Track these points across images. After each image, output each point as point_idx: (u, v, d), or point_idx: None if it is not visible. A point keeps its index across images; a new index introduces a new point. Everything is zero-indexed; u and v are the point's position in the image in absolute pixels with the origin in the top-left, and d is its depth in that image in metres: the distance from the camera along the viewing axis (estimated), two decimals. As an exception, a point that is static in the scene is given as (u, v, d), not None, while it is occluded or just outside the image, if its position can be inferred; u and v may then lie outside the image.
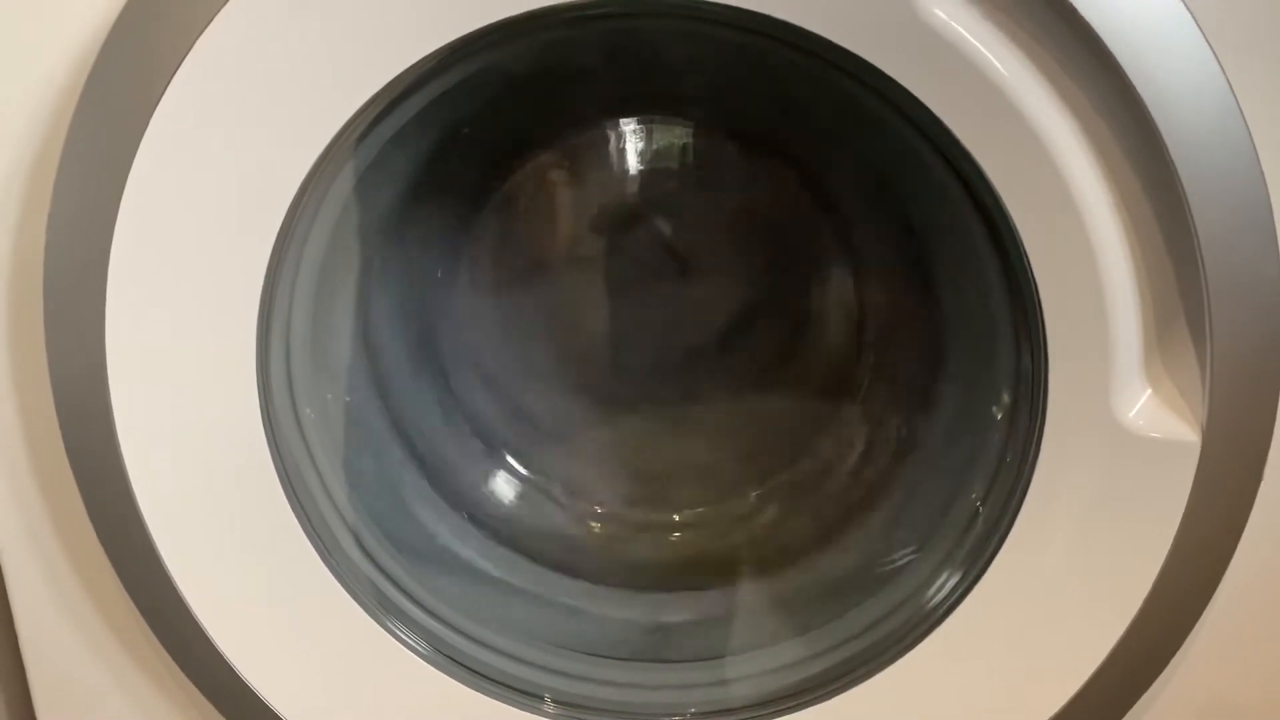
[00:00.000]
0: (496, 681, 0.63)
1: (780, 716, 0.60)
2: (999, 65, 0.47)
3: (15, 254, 0.55)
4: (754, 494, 0.79)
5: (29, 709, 0.66)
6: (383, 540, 0.65)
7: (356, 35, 0.49)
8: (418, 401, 0.76)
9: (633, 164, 0.78)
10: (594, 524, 0.79)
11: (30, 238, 0.54)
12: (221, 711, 0.60)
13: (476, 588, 0.70)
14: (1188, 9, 0.45)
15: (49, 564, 0.61)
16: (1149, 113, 0.46)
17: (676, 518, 0.80)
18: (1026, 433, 0.56)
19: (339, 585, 0.59)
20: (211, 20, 0.48)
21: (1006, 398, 0.60)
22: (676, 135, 0.78)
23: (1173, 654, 0.55)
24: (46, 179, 0.51)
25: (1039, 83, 0.47)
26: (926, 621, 0.58)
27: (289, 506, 0.57)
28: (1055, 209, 0.49)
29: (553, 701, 0.63)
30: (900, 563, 0.65)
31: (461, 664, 0.62)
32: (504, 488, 0.79)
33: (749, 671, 0.65)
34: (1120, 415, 0.52)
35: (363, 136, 0.57)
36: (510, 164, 0.76)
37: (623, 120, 0.76)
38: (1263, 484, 0.52)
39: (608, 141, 0.77)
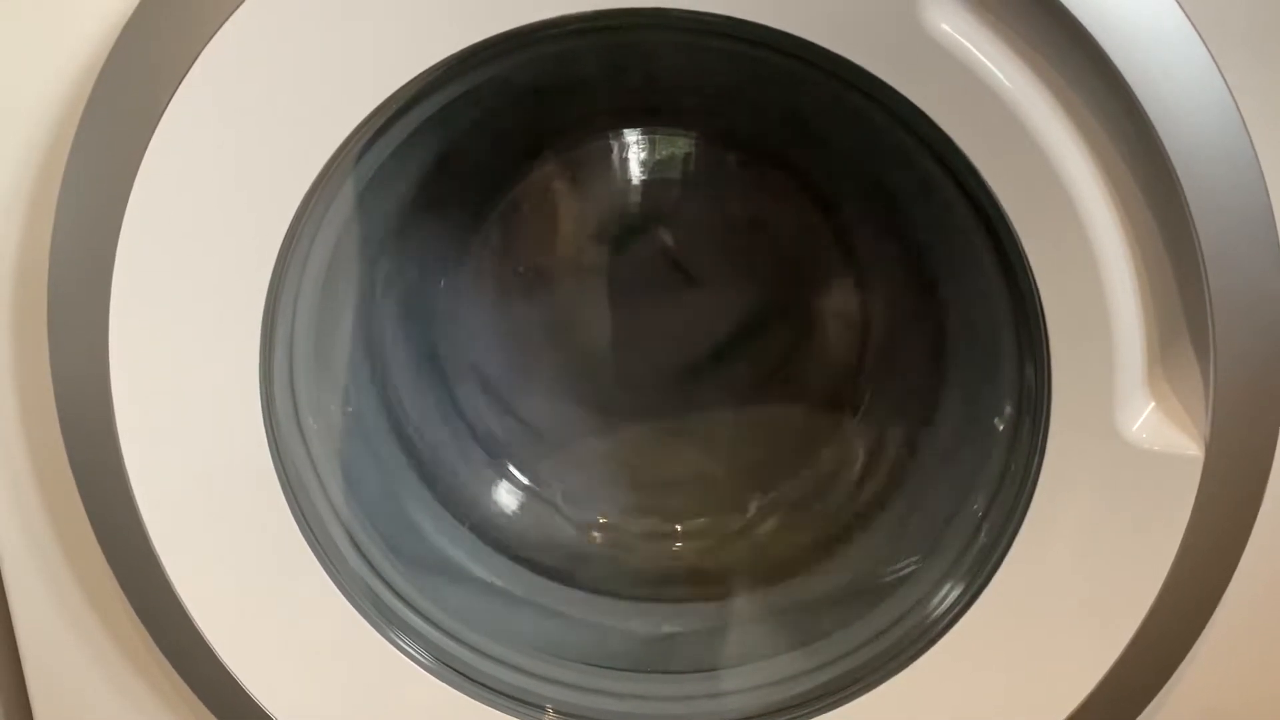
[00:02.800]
0: (498, 692, 0.62)
1: (781, 728, 0.60)
2: (1004, 79, 0.47)
3: (20, 257, 0.55)
4: (756, 505, 0.79)
5: (27, 712, 0.65)
6: (385, 550, 0.65)
7: (362, 45, 0.49)
8: (421, 411, 0.76)
9: (635, 174, 0.78)
10: (596, 534, 0.79)
11: (35, 241, 0.54)
12: (221, 720, 0.60)
13: (478, 597, 0.70)
14: (1190, 21, 0.46)
15: (49, 569, 0.61)
16: (1152, 126, 0.46)
17: (678, 528, 0.80)
18: (1029, 445, 0.56)
19: (341, 595, 0.59)
20: (220, 27, 0.48)
21: (1009, 410, 0.60)
22: (679, 146, 0.78)
23: (1176, 667, 0.55)
24: (53, 182, 0.51)
25: (1042, 95, 0.47)
26: (929, 633, 0.58)
27: (291, 515, 0.57)
28: (1059, 221, 0.49)
29: (554, 712, 0.63)
30: (903, 573, 0.65)
31: (463, 674, 0.62)
32: (506, 497, 0.79)
33: (751, 683, 0.65)
34: (1123, 429, 0.52)
35: (368, 145, 0.57)
36: (513, 174, 0.76)
37: (626, 131, 0.76)
38: (1265, 498, 0.52)
39: (610, 152, 0.77)
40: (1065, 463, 0.53)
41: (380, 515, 0.67)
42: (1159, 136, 0.46)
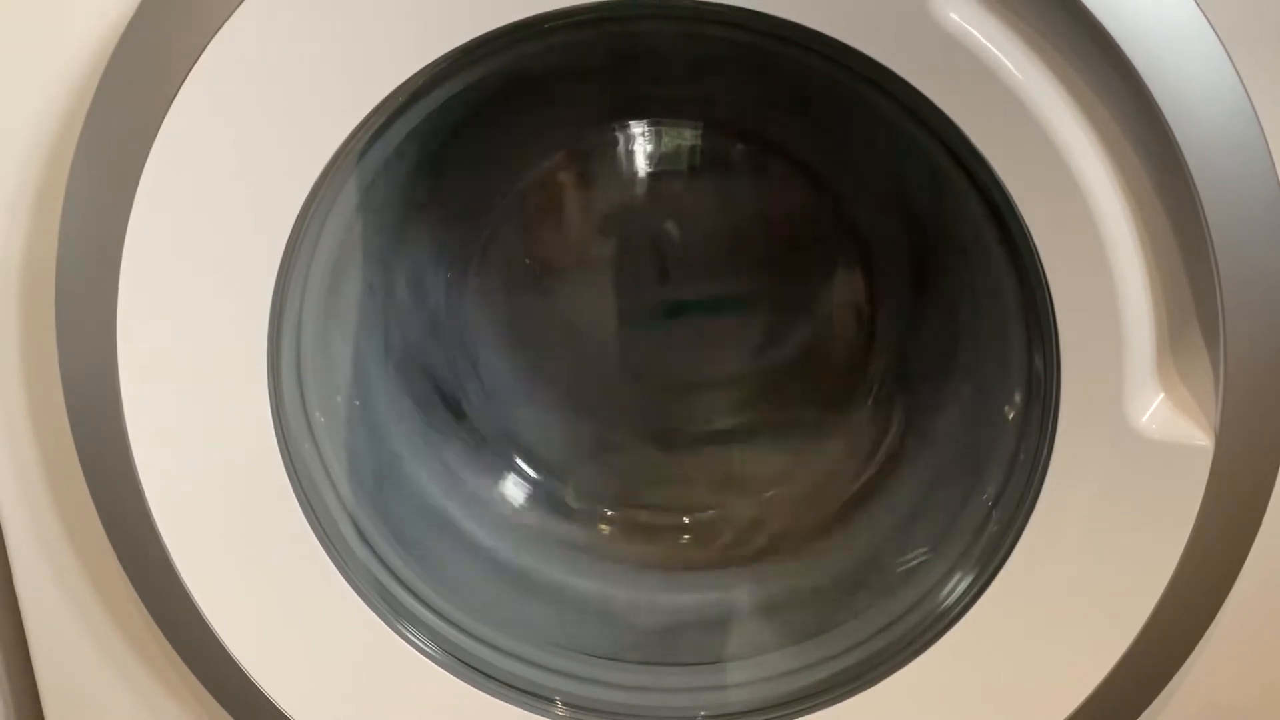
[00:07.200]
0: (506, 684, 0.63)
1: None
2: (1013, 68, 0.47)
3: (28, 254, 0.55)
4: (765, 495, 0.79)
5: (37, 709, 0.66)
6: (393, 542, 0.65)
7: (368, 39, 0.49)
8: (427, 404, 0.76)
9: (642, 166, 0.78)
10: (603, 526, 0.79)
11: (43, 238, 0.54)
12: (231, 714, 0.60)
13: (486, 590, 0.70)
14: (1202, 11, 0.45)
15: (59, 565, 0.61)
16: (1163, 116, 0.46)
17: (686, 520, 0.80)
18: (1038, 435, 0.55)
19: (349, 587, 0.59)
20: (224, 23, 0.48)
21: (1019, 400, 0.59)
22: (685, 138, 0.78)
23: (1184, 659, 0.55)
24: (59, 179, 0.51)
25: (1053, 86, 0.47)
26: (939, 624, 0.58)
27: (299, 508, 0.58)
28: (1068, 211, 0.49)
29: (563, 704, 0.63)
30: (913, 564, 0.65)
31: (471, 666, 0.62)
32: (513, 490, 0.79)
33: (760, 674, 0.65)
34: (1133, 419, 0.52)
35: (374, 139, 0.57)
36: (519, 167, 0.76)
37: (632, 123, 0.76)
38: (1276, 489, 0.52)
39: (616, 144, 0.77)
40: (1075, 453, 0.53)
41: (388, 507, 0.67)
42: (1168, 124, 0.46)
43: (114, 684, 0.64)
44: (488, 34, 0.49)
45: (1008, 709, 0.57)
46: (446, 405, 0.78)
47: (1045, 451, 0.54)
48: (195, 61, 0.48)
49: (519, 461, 0.79)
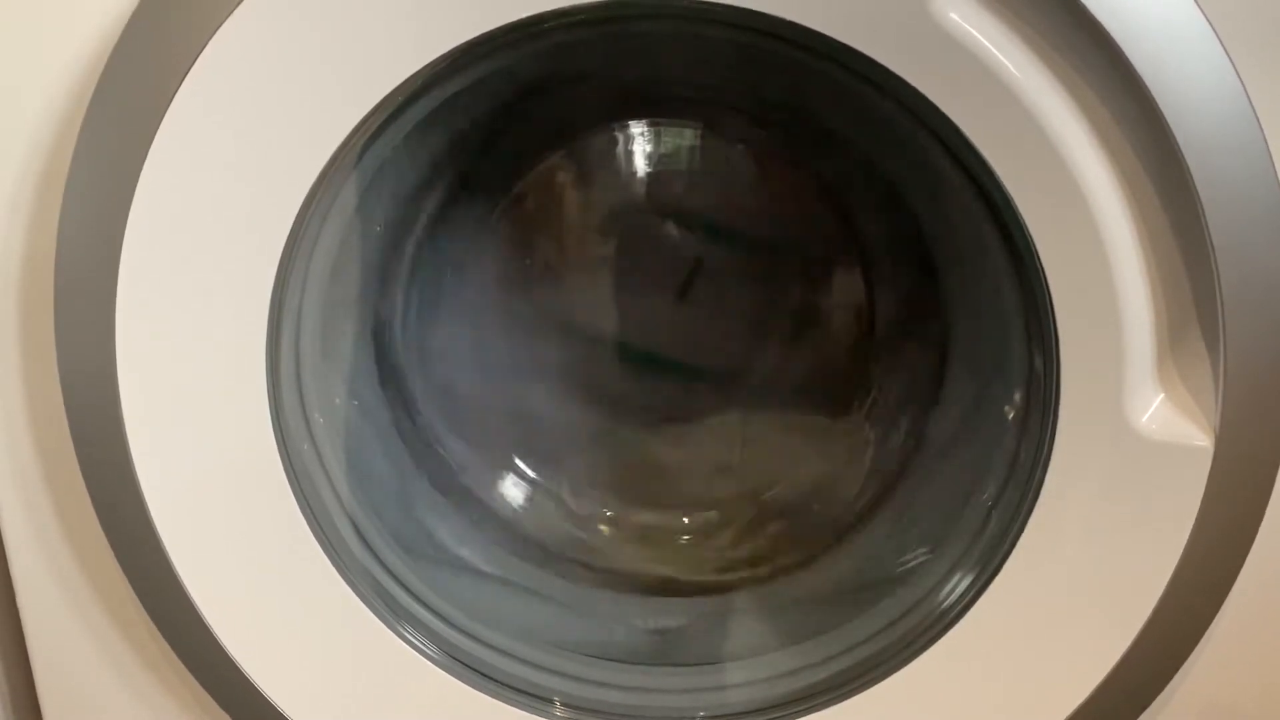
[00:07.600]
0: (506, 685, 0.63)
1: (791, 720, 0.60)
2: (1013, 68, 0.47)
3: (27, 252, 0.55)
4: (764, 496, 0.79)
5: (36, 709, 0.66)
6: (391, 543, 0.65)
7: (367, 37, 0.49)
8: (427, 404, 0.76)
9: (641, 166, 0.78)
10: (602, 527, 0.79)
11: (42, 236, 0.54)
12: (230, 714, 0.60)
13: (485, 590, 0.70)
14: (1202, 12, 0.45)
15: (57, 565, 0.61)
16: (1163, 116, 0.46)
17: (686, 520, 0.80)
18: (1038, 436, 0.55)
19: (348, 588, 0.59)
20: (225, 21, 0.48)
21: (1018, 400, 0.59)
22: (685, 138, 0.78)
23: (1184, 660, 0.55)
24: (59, 177, 0.51)
25: (1053, 86, 0.47)
26: (939, 624, 0.58)
27: (298, 509, 0.57)
28: (1068, 211, 0.49)
29: (562, 705, 0.63)
30: (913, 564, 0.65)
31: (470, 667, 0.62)
32: (512, 491, 0.79)
33: (759, 675, 0.65)
34: (1133, 420, 0.52)
35: (373, 138, 0.57)
36: (519, 166, 0.76)
37: (631, 123, 0.76)
38: (1276, 490, 0.52)
39: (616, 144, 0.77)
40: (1075, 453, 0.53)
41: (387, 508, 0.67)
42: (1170, 127, 0.46)
43: (113, 684, 0.64)
44: (487, 34, 0.49)
45: (1008, 709, 0.57)
46: (445, 404, 0.78)
47: (1045, 451, 0.54)
48: (194, 61, 0.48)
49: (517, 461, 0.79)
